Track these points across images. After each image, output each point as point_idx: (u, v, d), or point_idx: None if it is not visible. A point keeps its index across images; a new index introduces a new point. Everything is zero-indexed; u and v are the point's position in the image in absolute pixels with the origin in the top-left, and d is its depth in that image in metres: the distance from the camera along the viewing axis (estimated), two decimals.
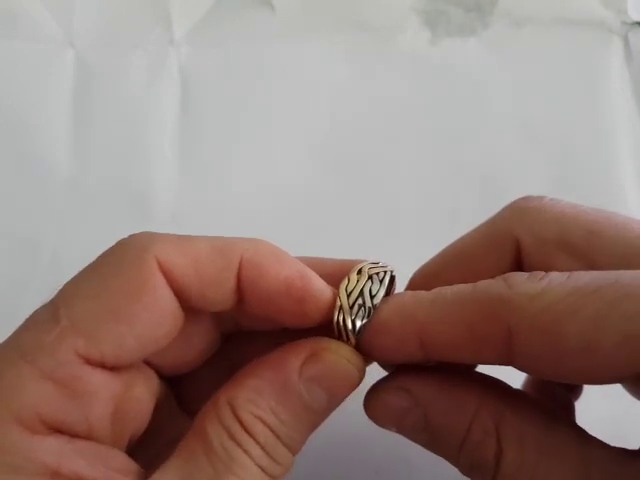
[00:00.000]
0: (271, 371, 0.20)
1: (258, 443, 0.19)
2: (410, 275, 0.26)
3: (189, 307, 0.21)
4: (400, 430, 0.22)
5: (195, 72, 0.43)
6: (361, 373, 0.22)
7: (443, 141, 0.42)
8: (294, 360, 0.20)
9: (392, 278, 0.22)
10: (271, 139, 0.42)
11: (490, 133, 0.42)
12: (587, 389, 0.28)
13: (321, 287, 0.21)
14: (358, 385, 0.22)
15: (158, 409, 0.23)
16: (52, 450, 0.18)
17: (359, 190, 0.41)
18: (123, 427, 0.21)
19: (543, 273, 0.19)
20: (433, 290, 0.21)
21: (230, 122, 0.42)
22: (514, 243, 0.23)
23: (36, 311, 0.20)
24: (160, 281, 0.20)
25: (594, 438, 0.20)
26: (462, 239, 0.25)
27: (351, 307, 0.21)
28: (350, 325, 0.21)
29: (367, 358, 0.22)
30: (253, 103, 0.43)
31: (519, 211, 0.23)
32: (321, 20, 0.44)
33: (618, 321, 0.17)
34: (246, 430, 0.19)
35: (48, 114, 0.42)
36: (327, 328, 0.22)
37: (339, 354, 0.21)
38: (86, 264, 0.21)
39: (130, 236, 0.21)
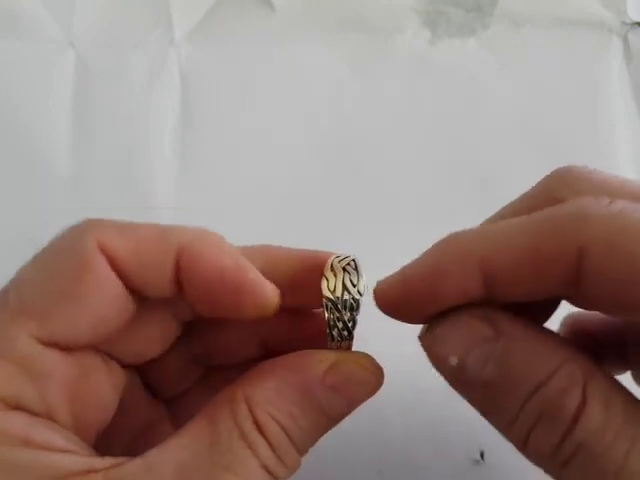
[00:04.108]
0: (294, 374, 0.20)
1: (270, 444, 0.19)
2: None
3: (135, 291, 0.21)
4: (463, 360, 0.20)
5: (195, 72, 0.43)
6: (379, 380, 0.21)
7: (443, 141, 0.42)
8: (318, 366, 0.20)
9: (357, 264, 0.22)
10: (271, 139, 0.42)
11: (490, 133, 0.42)
12: None
13: (258, 280, 0.21)
14: (376, 392, 0.22)
15: (125, 399, 0.23)
16: (17, 422, 0.18)
17: (359, 190, 0.41)
18: (85, 414, 0.21)
19: (609, 198, 0.18)
20: (488, 225, 0.20)
21: (230, 122, 0.42)
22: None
23: None
24: (101, 261, 0.20)
25: None
26: (505, 207, 0.24)
27: (341, 303, 0.21)
28: (346, 322, 0.21)
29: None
30: (253, 103, 0.43)
31: (565, 176, 0.23)
32: (321, 20, 0.44)
33: None
34: (260, 430, 0.19)
35: (48, 114, 0.42)
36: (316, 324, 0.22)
37: (358, 363, 0.21)
38: None
39: (76, 223, 0.21)
